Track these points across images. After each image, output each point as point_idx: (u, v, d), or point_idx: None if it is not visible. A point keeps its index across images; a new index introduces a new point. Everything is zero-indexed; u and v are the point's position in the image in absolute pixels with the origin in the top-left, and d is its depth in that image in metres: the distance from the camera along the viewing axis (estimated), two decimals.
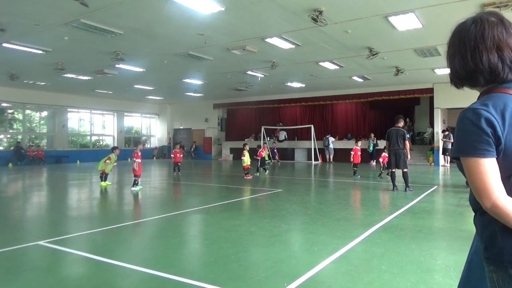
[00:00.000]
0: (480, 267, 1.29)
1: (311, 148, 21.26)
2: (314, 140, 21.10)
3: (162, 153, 27.36)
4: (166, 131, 28.28)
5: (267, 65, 13.78)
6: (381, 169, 12.63)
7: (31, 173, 15.41)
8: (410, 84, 18.33)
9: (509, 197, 1.13)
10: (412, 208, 6.80)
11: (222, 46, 11.20)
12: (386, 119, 20.25)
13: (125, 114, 26.06)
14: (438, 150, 17.86)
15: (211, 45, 10.93)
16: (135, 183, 9.61)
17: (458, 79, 1.33)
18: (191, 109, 27.00)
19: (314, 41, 10.71)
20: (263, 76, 16.13)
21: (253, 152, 14.78)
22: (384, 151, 11.67)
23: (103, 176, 10.38)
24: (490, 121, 1.15)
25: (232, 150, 24.65)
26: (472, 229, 1.40)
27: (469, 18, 1.30)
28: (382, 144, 15.75)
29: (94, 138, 25.23)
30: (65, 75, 15.38)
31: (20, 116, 21.81)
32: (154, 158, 26.45)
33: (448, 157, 17.17)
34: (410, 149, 9.47)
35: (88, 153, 23.09)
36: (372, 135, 19.14)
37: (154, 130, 28.95)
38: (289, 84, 18.67)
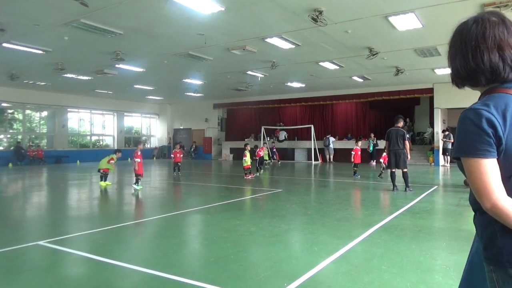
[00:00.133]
0: (481, 268, 1.29)
1: (311, 148, 21.26)
2: (314, 140, 21.10)
3: (162, 153, 27.36)
4: (166, 131, 28.28)
5: (267, 65, 13.78)
6: (382, 169, 12.63)
7: (31, 173, 15.40)
8: (410, 84, 18.33)
9: (509, 198, 1.13)
10: (412, 208, 6.80)
11: (222, 46, 11.20)
12: (386, 119, 20.25)
13: (125, 114, 26.07)
14: (438, 150, 17.85)
15: (211, 45, 10.93)
16: (137, 181, 9.67)
17: (459, 79, 1.32)
18: (191, 109, 27.00)
19: (314, 41, 10.71)
20: (263, 76, 16.13)
21: (251, 153, 14.75)
22: (384, 151, 11.67)
23: (104, 176, 10.40)
24: (491, 122, 1.15)
25: (232, 150, 24.66)
26: (472, 229, 1.40)
27: (471, 17, 1.29)
28: (382, 144, 15.76)
29: (94, 138, 25.24)
30: (65, 75, 15.38)
31: (20, 116, 21.81)
32: (154, 158, 26.45)
33: (448, 157, 17.17)
34: (410, 149, 9.47)
35: (88, 153, 23.10)
36: (372, 135, 19.15)
37: (154, 130, 28.95)
38: (289, 84, 18.67)
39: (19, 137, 21.22)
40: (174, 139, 27.19)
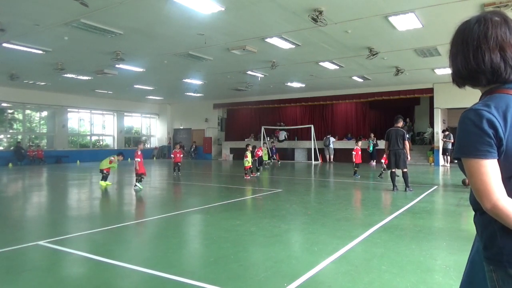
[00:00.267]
0: (482, 268, 1.28)
1: (311, 148, 21.25)
2: (314, 140, 21.10)
3: (162, 153, 27.35)
4: (166, 131, 28.27)
5: (267, 65, 13.78)
6: (382, 169, 12.62)
7: (31, 173, 15.40)
8: (410, 84, 18.33)
9: (509, 198, 1.13)
10: (412, 208, 6.80)
11: (222, 46, 11.20)
12: (386, 119, 20.24)
13: (125, 114, 26.06)
14: (438, 150, 17.85)
15: (211, 45, 10.93)
16: (140, 180, 9.70)
17: (460, 79, 1.32)
18: (191, 109, 27.00)
19: (314, 41, 10.71)
20: (263, 76, 16.13)
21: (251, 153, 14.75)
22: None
23: (105, 176, 10.38)
24: (492, 122, 1.15)
25: (232, 150, 24.66)
26: (472, 229, 1.40)
27: (473, 17, 1.29)
28: (382, 144, 15.73)
29: (94, 138, 25.23)
30: (65, 75, 15.38)
31: (20, 116, 21.81)
32: (154, 158, 26.45)
33: (448, 157, 17.17)
34: (410, 149, 9.48)
35: (88, 153, 23.10)
36: (372, 135, 19.15)
37: (154, 130, 28.95)
38: (289, 84, 18.67)
39: (19, 137, 21.22)
40: (174, 139, 27.18)
